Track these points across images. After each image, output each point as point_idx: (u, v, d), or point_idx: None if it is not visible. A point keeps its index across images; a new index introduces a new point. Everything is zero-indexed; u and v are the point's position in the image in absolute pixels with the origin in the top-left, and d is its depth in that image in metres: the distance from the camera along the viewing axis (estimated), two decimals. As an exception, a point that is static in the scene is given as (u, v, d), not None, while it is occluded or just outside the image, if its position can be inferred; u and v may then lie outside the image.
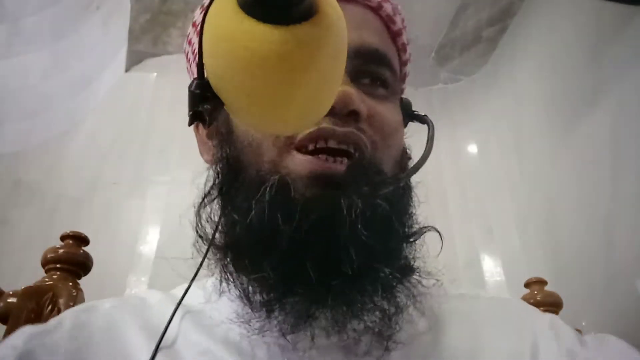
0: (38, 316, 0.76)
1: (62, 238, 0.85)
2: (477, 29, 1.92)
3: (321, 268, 0.36)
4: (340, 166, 0.39)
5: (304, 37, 0.30)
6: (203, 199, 0.45)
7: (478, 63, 2.03)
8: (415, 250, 0.43)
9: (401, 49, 0.50)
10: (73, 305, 0.78)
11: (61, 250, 0.83)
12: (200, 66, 0.33)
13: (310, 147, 0.39)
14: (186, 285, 0.47)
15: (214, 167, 0.46)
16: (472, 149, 1.97)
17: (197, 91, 0.34)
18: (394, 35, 0.49)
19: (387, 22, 0.48)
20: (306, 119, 0.37)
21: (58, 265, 0.82)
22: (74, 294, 0.79)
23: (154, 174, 1.75)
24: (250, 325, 0.39)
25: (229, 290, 0.42)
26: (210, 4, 0.31)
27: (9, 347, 0.39)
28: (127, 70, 2.01)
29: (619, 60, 1.29)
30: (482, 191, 1.84)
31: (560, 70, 1.55)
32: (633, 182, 1.19)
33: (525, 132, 1.72)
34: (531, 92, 1.71)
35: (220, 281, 0.43)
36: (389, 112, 0.44)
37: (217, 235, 0.42)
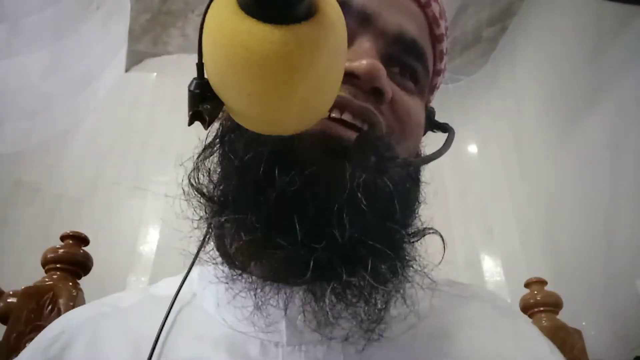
0: (38, 316, 0.76)
1: (62, 238, 0.85)
2: (477, 29, 1.92)
3: (310, 227, 0.33)
4: (351, 133, 0.37)
5: (304, 37, 0.30)
6: (204, 149, 0.42)
7: (478, 63, 2.04)
8: (413, 250, 0.41)
9: (438, 56, 0.47)
10: (73, 305, 0.78)
11: (61, 250, 0.83)
12: (200, 66, 0.33)
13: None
14: (169, 279, 0.45)
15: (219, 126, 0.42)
16: (472, 149, 1.97)
17: (197, 91, 0.34)
18: (435, 40, 0.46)
19: (431, 23, 0.45)
20: (306, 119, 0.37)
21: (58, 265, 0.82)
22: (74, 294, 0.79)
23: (154, 174, 1.75)
24: (234, 308, 0.37)
25: (216, 262, 0.39)
26: (210, 3, 0.31)
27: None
28: (127, 70, 2.01)
29: (619, 60, 1.29)
30: (482, 191, 1.84)
31: (560, 70, 1.55)
32: (633, 182, 1.19)
33: (525, 132, 1.72)
34: (531, 92, 1.71)
35: (208, 242, 0.40)
36: (414, 107, 0.43)
37: (212, 189, 0.39)
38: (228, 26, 0.30)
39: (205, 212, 0.39)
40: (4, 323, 0.77)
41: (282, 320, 0.37)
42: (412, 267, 0.39)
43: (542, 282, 0.94)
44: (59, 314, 0.76)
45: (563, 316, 0.93)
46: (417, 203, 0.43)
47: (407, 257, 0.38)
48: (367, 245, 0.34)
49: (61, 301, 0.77)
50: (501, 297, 0.52)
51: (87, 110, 1.98)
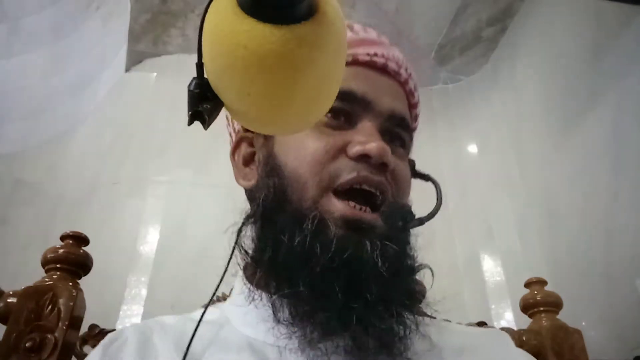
0: (38, 316, 0.76)
1: (62, 238, 0.85)
2: (477, 29, 1.92)
3: (347, 292, 0.43)
4: (365, 214, 0.47)
5: (304, 37, 0.30)
6: (245, 220, 0.53)
7: (478, 63, 2.03)
8: (417, 282, 0.51)
9: (413, 119, 0.59)
10: (73, 306, 0.78)
11: (61, 250, 0.83)
12: (200, 66, 0.33)
13: (346, 190, 0.48)
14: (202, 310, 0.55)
15: (254, 192, 0.54)
16: (472, 149, 1.97)
17: (197, 91, 0.34)
18: (411, 107, 0.58)
19: (408, 95, 0.57)
20: (306, 120, 0.37)
21: (58, 265, 0.82)
22: (74, 294, 0.79)
23: (154, 174, 1.75)
24: (276, 338, 0.46)
25: (255, 305, 0.50)
26: (210, 3, 0.31)
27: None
28: (127, 70, 2.01)
29: (619, 60, 1.29)
30: (482, 191, 1.84)
31: (560, 70, 1.55)
32: (633, 182, 1.19)
33: (525, 132, 1.72)
34: (531, 92, 1.71)
35: (248, 295, 0.51)
36: (405, 169, 0.54)
37: (253, 252, 0.51)
38: (228, 26, 0.30)
39: (248, 270, 0.51)
40: (4, 323, 0.77)
41: (296, 335, 0.46)
42: (424, 304, 0.50)
43: (542, 282, 0.94)
44: (59, 314, 0.76)
45: (563, 316, 0.93)
46: (413, 241, 0.52)
47: (418, 297, 0.49)
48: (389, 298, 0.44)
49: (61, 301, 0.77)
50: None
51: (87, 110, 1.98)
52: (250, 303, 0.50)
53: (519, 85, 1.79)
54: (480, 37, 1.95)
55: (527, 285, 0.95)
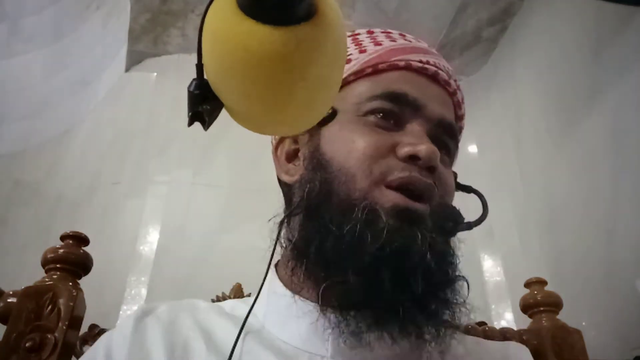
0: (38, 316, 0.76)
1: (62, 238, 0.85)
2: (477, 29, 1.92)
3: (395, 284, 0.43)
4: (418, 205, 0.47)
5: (304, 38, 0.30)
6: (290, 212, 0.53)
7: (478, 63, 2.03)
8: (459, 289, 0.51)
9: (459, 131, 0.60)
10: (73, 306, 0.78)
11: (61, 250, 0.83)
12: (200, 67, 0.33)
13: (397, 185, 0.48)
14: (233, 302, 0.57)
15: (297, 187, 0.54)
16: (472, 149, 1.97)
17: (197, 92, 0.34)
18: (457, 118, 0.59)
19: (455, 106, 0.58)
20: (306, 120, 0.37)
21: (58, 265, 0.81)
22: (74, 294, 0.79)
23: (154, 174, 1.75)
24: (311, 345, 0.48)
25: (294, 311, 0.50)
26: (209, 4, 0.31)
27: (97, 348, 0.51)
28: (127, 70, 2.01)
29: (619, 60, 1.29)
30: (482, 191, 1.83)
31: (560, 70, 1.55)
32: (633, 182, 1.19)
33: (525, 132, 1.72)
34: (531, 92, 1.71)
35: (288, 300, 0.50)
36: (451, 177, 0.55)
37: (297, 244, 0.50)
38: (228, 27, 0.30)
39: (292, 260, 0.50)
40: (4, 323, 0.77)
41: (328, 341, 0.47)
42: (464, 307, 0.50)
43: (542, 282, 0.94)
44: (58, 314, 0.76)
45: (563, 316, 0.93)
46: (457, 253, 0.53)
47: (461, 301, 0.49)
48: (437, 292, 0.45)
49: (61, 301, 0.77)
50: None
51: (87, 110, 1.98)
52: (287, 308, 0.51)
53: (519, 85, 1.79)
54: (480, 37, 1.95)
55: (527, 285, 0.95)
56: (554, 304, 0.92)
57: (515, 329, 0.90)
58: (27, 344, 0.72)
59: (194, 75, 0.34)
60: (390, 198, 0.47)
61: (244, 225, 1.52)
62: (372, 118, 0.51)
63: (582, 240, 1.34)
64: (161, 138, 1.79)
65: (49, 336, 0.74)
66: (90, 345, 0.81)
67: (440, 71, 0.55)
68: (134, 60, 2.03)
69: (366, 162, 0.48)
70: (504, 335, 0.87)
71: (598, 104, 1.35)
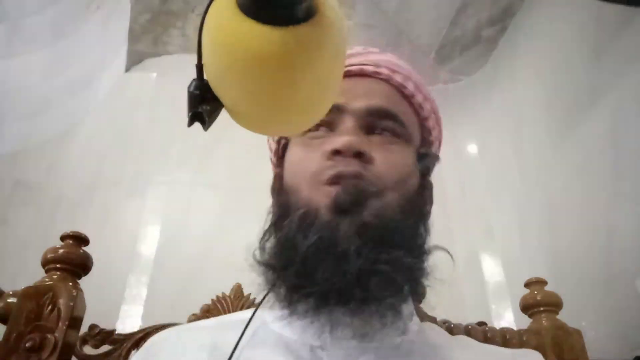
0: (38, 316, 0.76)
1: (62, 238, 0.85)
2: (477, 29, 1.92)
3: (330, 271, 0.46)
4: (345, 196, 0.50)
5: (304, 38, 0.30)
6: (264, 235, 0.56)
7: (478, 63, 2.03)
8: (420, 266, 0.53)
9: (418, 107, 0.63)
10: (73, 306, 0.78)
11: (61, 250, 0.83)
12: (200, 67, 0.34)
13: (330, 182, 0.52)
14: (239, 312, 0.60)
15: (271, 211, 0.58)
16: (472, 149, 1.97)
17: (197, 92, 0.34)
18: (408, 97, 0.62)
19: (400, 88, 0.61)
20: (306, 120, 0.37)
21: (58, 265, 0.82)
22: (74, 294, 0.79)
23: (154, 174, 1.75)
24: (309, 336, 0.51)
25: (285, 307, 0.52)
26: (209, 4, 0.31)
27: None
28: (127, 70, 2.01)
29: (619, 60, 1.29)
30: (482, 191, 1.84)
31: (560, 70, 1.55)
32: (633, 182, 1.19)
33: (525, 132, 1.72)
34: (531, 92, 1.71)
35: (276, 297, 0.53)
36: (395, 154, 0.56)
37: (270, 258, 0.53)
38: (228, 27, 0.30)
39: (266, 278, 0.53)
40: (4, 323, 0.77)
41: (326, 332, 0.49)
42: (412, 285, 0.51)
43: (542, 282, 0.94)
44: (59, 314, 0.76)
45: (563, 316, 0.93)
46: (415, 226, 0.55)
47: (401, 279, 0.49)
48: (369, 273, 0.47)
49: (61, 301, 0.77)
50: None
51: (87, 110, 1.98)
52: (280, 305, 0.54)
53: (519, 85, 1.79)
54: (480, 37, 1.95)
55: (527, 285, 0.95)
56: (554, 304, 0.92)
57: (515, 329, 0.90)
58: (27, 344, 0.72)
59: (194, 76, 0.34)
60: (326, 193, 0.50)
61: (244, 225, 1.52)
62: (308, 134, 0.56)
63: (582, 240, 1.34)
64: (161, 138, 1.79)
65: (49, 336, 0.74)
66: (90, 345, 0.81)
67: (365, 66, 0.60)
68: (134, 60, 2.03)
69: (306, 175, 0.53)
70: (504, 335, 0.87)
71: (598, 104, 1.35)
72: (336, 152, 0.52)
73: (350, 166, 0.52)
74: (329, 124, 0.56)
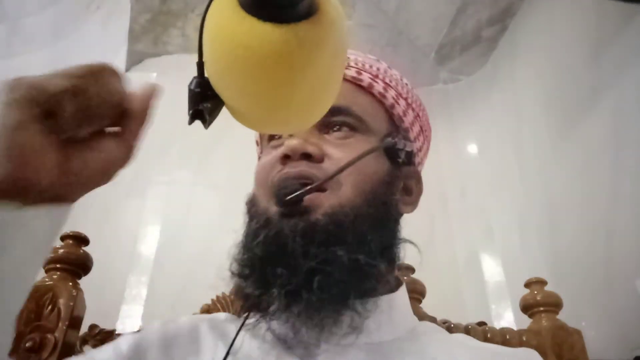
0: (38, 316, 0.76)
1: (62, 238, 0.85)
2: (477, 29, 1.92)
3: (283, 273, 0.47)
4: (285, 199, 0.50)
5: (305, 36, 0.30)
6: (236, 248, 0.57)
7: (478, 63, 2.03)
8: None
9: (379, 96, 0.61)
10: (73, 306, 0.78)
11: (61, 250, 0.83)
12: (201, 65, 0.33)
13: (277, 186, 0.52)
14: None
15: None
16: (472, 149, 1.97)
17: (198, 90, 0.34)
18: (365, 88, 0.60)
19: (354, 81, 0.60)
20: (307, 118, 0.37)
21: (58, 265, 0.82)
22: (74, 294, 0.79)
23: (154, 174, 1.75)
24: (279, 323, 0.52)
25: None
26: (210, 3, 0.31)
27: (120, 342, 0.54)
28: (127, 70, 2.01)
29: (619, 60, 1.29)
30: (482, 191, 1.84)
31: (560, 70, 1.55)
32: (633, 182, 1.19)
33: (525, 132, 1.72)
34: (531, 92, 1.71)
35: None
36: (350, 148, 0.55)
37: (237, 268, 0.55)
38: (229, 25, 0.30)
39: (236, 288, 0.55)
40: (4, 323, 0.77)
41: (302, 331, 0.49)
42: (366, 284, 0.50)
43: (542, 282, 0.94)
44: (59, 314, 0.76)
45: (563, 316, 0.93)
46: (374, 218, 0.53)
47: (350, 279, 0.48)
48: (314, 274, 0.47)
49: (61, 301, 0.77)
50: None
51: (87, 110, 1.97)
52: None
53: (519, 85, 1.79)
54: (480, 37, 1.95)
55: (527, 285, 0.95)
56: (554, 304, 0.92)
57: (515, 329, 0.90)
58: (27, 344, 0.73)
59: (194, 75, 0.34)
60: (273, 199, 0.52)
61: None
62: (272, 141, 0.58)
63: (582, 240, 1.34)
64: (161, 138, 1.79)
65: (49, 336, 0.74)
66: (90, 345, 0.81)
67: None
68: (134, 60, 2.03)
69: (262, 182, 0.55)
70: (504, 335, 0.87)
71: (598, 104, 1.35)
72: (286, 157, 0.53)
73: (296, 168, 0.52)
74: None
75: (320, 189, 0.51)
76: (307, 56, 0.30)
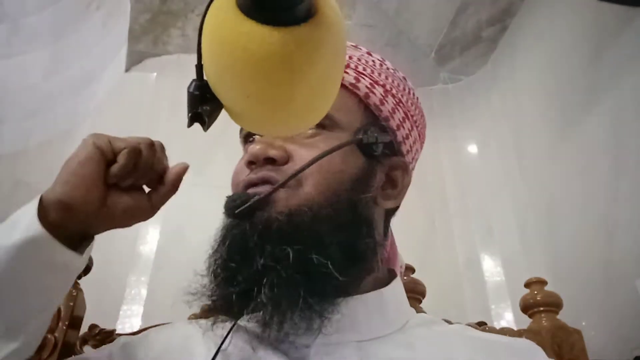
0: (38, 316, 0.76)
1: (62, 238, 0.85)
2: (477, 29, 1.92)
3: (242, 275, 0.47)
4: (236, 203, 0.51)
5: (304, 38, 0.30)
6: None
7: (478, 63, 2.03)
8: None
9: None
10: (73, 306, 0.78)
11: (61, 251, 0.82)
12: (199, 67, 0.33)
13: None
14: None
15: None
16: (472, 149, 1.97)
17: (197, 93, 0.34)
18: (384, 119, 0.57)
19: (374, 110, 0.57)
20: (307, 120, 0.37)
21: (58, 266, 0.81)
22: (74, 294, 0.79)
23: (154, 174, 1.75)
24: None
25: None
26: (209, 5, 0.31)
27: (112, 345, 0.56)
28: (127, 70, 2.01)
29: (618, 60, 1.29)
30: (482, 191, 1.84)
31: (560, 70, 1.55)
32: (633, 182, 1.19)
33: (525, 132, 1.72)
34: (531, 92, 1.71)
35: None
36: (316, 147, 0.53)
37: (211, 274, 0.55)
38: (227, 28, 0.30)
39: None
40: (4, 323, 0.77)
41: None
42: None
43: (542, 282, 0.94)
44: (59, 314, 0.76)
45: (563, 316, 0.92)
46: (338, 215, 0.51)
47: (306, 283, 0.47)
48: (269, 270, 0.46)
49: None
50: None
51: (87, 110, 1.97)
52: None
53: (519, 85, 1.79)
54: (480, 37, 1.95)
55: (527, 285, 0.95)
56: (554, 304, 0.92)
57: (515, 329, 0.90)
58: (27, 344, 0.72)
59: (194, 76, 0.34)
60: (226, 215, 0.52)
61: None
62: (246, 145, 0.58)
63: (582, 240, 1.34)
64: (161, 138, 1.79)
65: (49, 336, 0.74)
66: (90, 345, 0.81)
67: None
68: (134, 60, 2.03)
69: (235, 187, 0.55)
70: (504, 335, 0.87)
71: (598, 104, 1.35)
72: (251, 162, 0.53)
73: (259, 173, 0.52)
74: (251, 133, 0.57)
75: (279, 193, 0.50)
76: (306, 58, 0.30)
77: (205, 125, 0.34)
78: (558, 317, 0.91)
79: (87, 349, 0.81)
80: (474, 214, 1.81)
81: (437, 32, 1.94)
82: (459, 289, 1.67)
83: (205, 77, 0.34)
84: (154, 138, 0.54)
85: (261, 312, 0.46)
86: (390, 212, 0.60)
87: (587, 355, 0.87)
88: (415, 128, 0.60)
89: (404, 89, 0.60)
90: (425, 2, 1.87)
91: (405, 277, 0.91)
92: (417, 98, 0.62)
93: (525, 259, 1.59)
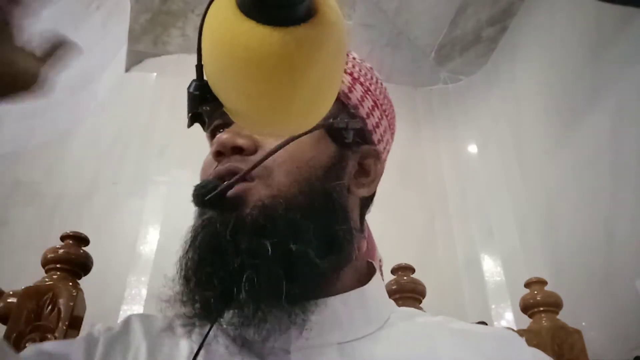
0: (38, 316, 0.76)
1: (62, 238, 0.85)
2: (477, 29, 1.92)
3: (213, 273, 0.46)
4: (205, 196, 0.49)
5: (304, 38, 0.30)
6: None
7: (478, 63, 2.03)
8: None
9: (366, 116, 0.57)
10: (73, 306, 0.78)
11: (61, 250, 0.83)
12: (200, 67, 0.33)
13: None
14: None
15: None
16: (472, 149, 1.97)
17: (197, 93, 0.34)
18: (357, 111, 0.57)
19: (354, 107, 0.56)
20: (306, 120, 0.37)
21: (58, 265, 0.82)
22: (74, 294, 0.79)
23: (154, 174, 1.75)
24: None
25: None
26: (209, 5, 0.31)
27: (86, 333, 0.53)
28: (127, 70, 2.01)
29: (619, 60, 1.29)
30: (482, 191, 1.84)
31: (561, 69, 1.55)
32: (633, 182, 1.19)
33: (525, 132, 1.72)
34: (531, 92, 1.71)
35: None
36: (283, 136, 0.51)
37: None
38: (227, 28, 0.30)
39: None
40: (4, 323, 0.77)
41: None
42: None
43: (542, 282, 0.94)
44: (59, 314, 0.76)
45: (563, 316, 0.93)
46: (310, 205, 0.49)
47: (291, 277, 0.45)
48: (245, 267, 0.44)
49: (61, 301, 0.77)
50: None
51: (87, 110, 1.98)
52: None
53: (519, 85, 1.80)
54: (480, 37, 1.95)
55: (527, 285, 0.95)
56: (554, 304, 0.92)
57: (515, 329, 0.90)
58: (27, 344, 0.72)
59: (194, 76, 0.34)
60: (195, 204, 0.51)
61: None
62: (212, 141, 0.55)
63: (582, 240, 1.34)
64: (161, 138, 1.79)
65: (49, 336, 0.74)
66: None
67: None
68: (134, 60, 2.03)
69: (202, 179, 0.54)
70: (504, 335, 0.87)
71: (598, 103, 1.35)
72: (219, 154, 0.52)
73: (227, 164, 0.50)
74: (222, 126, 0.55)
75: (246, 179, 0.48)
76: (307, 58, 0.30)
77: (205, 125, 0.34)
78: (558, 317, 0.91)
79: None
80: (473, 214, 1.81)
81: (437, 32, 1.94)
82: (459, 289, 1.67)
83: (205, 77, 0.34)
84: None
85: (243, 311, 0.44)
86: (365, 203, 0.59)
87: (587, 355, 0.87)
88: (385, 117, 0.60)
89: (372, 78, 0.60)
90: (425, 2, 1.87)
91: (405, 277, 0.91)
92: (386, 88, 0.62)
93: (525, 259, 1.59)
